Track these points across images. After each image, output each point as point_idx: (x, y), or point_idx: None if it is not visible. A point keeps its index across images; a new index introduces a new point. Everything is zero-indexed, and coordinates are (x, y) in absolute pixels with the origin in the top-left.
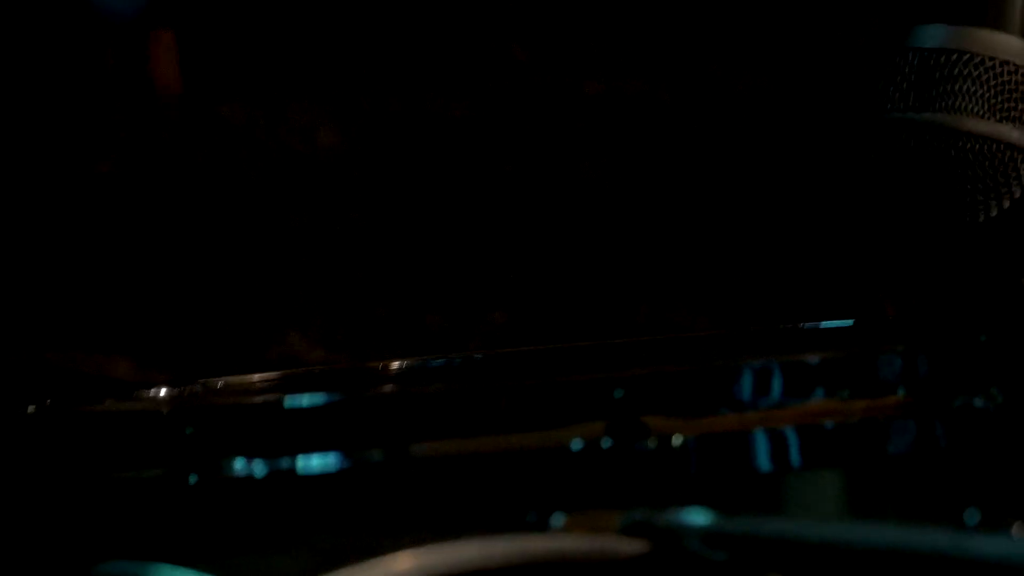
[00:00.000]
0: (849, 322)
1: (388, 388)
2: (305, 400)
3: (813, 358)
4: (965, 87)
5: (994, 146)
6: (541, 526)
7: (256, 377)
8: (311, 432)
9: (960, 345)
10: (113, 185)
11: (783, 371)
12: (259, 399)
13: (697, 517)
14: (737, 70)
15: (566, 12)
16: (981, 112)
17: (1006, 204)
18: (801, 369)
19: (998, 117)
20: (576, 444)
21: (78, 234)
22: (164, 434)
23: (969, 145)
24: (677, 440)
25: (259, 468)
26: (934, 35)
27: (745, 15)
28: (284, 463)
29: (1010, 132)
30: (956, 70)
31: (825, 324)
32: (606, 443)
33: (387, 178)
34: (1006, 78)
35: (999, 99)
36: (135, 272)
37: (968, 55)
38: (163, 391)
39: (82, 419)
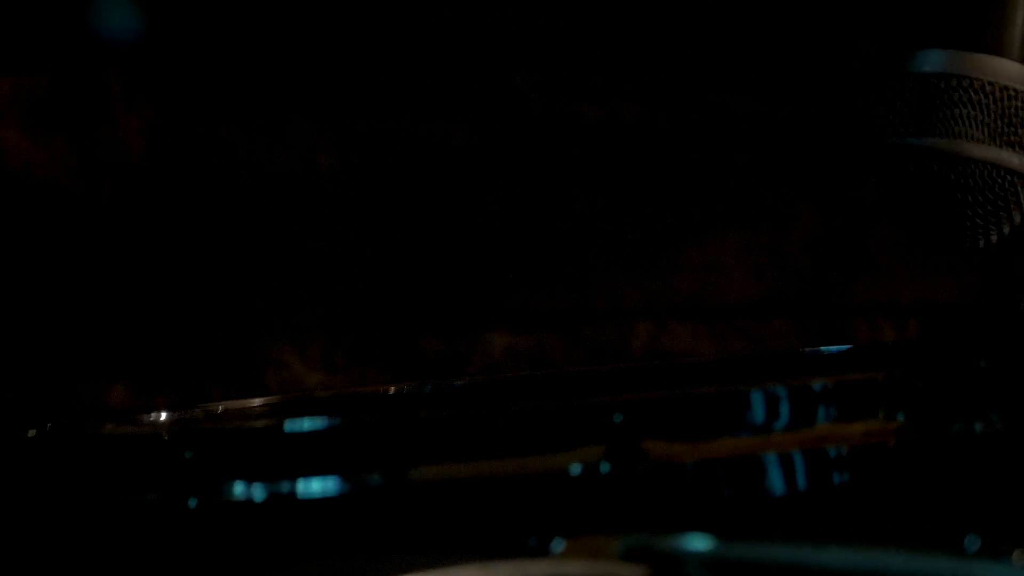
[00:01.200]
0: (849, 347)
1: (388, 412)
2: (305, 424)
3: (814, 383)
4: (964, 112)
5: (994, 172)
6: (541, 551)
7: (256, 402)
8: (311, 456)
9: (959, 371)
10: (112, 206)
11: (783, 396)
12: (259, 423)
13: (697, 543)
14: (732, 95)
15: (565, 37)
16: (981, 137)
17: (1006, 230)
18: (802, 394)
19: (998, 143)
20: (575, 469)
21: (75, 257)
22: (164, 458)
23: (969, 171)
24: (677, 465)
25: (259, 492)
26: (933, 60)
27: (741, 40)
28: (284, 487)
29: (1010, 158)
30: (955, 95)
31: (825, 349)
32: (605, 468)
33: (386, 201)
34: (1006, 103)
35: (999, 124)
36: (132, 295)
37: (967, 80)
38: (163, 416)
39: (82, 443)
